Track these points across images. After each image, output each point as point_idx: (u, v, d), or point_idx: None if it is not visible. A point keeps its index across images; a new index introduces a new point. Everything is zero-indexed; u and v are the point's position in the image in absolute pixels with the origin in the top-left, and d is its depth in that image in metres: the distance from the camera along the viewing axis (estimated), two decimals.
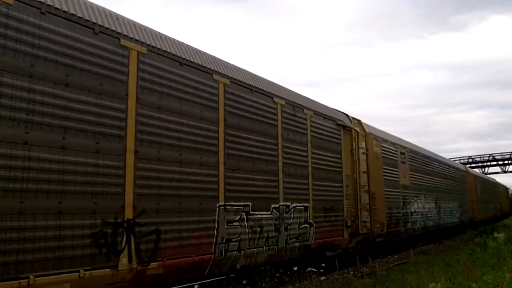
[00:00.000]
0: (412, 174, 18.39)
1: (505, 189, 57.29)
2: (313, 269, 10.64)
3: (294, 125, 10.37)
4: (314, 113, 11.26)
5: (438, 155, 24.25)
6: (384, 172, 15.48)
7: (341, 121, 12.68)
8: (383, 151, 15.65)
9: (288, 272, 9.94)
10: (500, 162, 65.56)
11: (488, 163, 65.88)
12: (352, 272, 11.48)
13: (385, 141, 16.14)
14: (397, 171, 16.71)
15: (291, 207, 9.87)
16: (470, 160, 65.68)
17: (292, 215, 9.88)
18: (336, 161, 12.10)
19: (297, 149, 10.35)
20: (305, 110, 10.86)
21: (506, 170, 65.49)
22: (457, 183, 26.19)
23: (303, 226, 10.25)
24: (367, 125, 15.15)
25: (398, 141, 17.83)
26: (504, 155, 64.92)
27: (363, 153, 14.49)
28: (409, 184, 17.85)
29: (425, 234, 19.57)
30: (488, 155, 65.96)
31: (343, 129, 12.72)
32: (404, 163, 17.71)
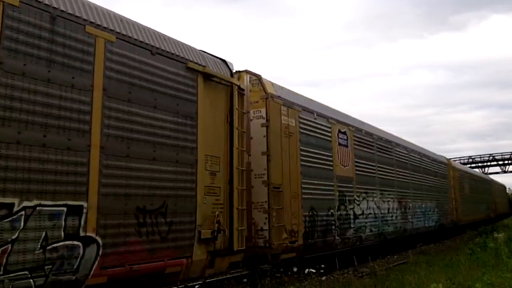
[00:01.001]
0: (360, 163, 13.29)
1: (503, 187, 53.11)
2: (313, 270, 9.82)
3: (51, 50, 5.38)
4: (118, 38, 6.26)
5: (406, 141, 19.06)
6: (303, 156, 10.43)
7: (199, 65, 7.63)
8: (302, 126, 10.62)
9: (289, 273, 9.10)
10: (500, 162, 63.05)
11: (488, 163, 63.48)
12: (352, 272, 11.08)
13: (308, 111, 11.07)
14: (330, 156, 11.63)
15: (19, 208, 4.85)
16: (470, 160, 63.15)
17: (16, 224, 4.85)
18: (181, 130, 7.07)
19: (53, 95, 5.35)
20: (89, 28, 5.85)
21: (506, 170, 63.06)
22: (435, 178, 21.04)
23: (56, 246, 5.19)
24: (273, 84, 10.15)
25: (336, 115, 12.71)
26: (504, 155, 62.45)
27: (262, 124, 9.54)
28: (353, 176, 12.76)
29: (382, 243, 14.47)
30: (488, 155, 63.45)
31: (204, 79, 7.68)
32: (346, 146, 12.63)
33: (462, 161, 59.65)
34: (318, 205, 10.66)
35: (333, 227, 11.23)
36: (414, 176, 18.00)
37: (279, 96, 9.94)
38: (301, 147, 10.38)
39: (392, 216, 15.03)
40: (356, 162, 12.99)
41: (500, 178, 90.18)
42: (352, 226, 12.17)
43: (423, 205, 18.65)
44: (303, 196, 10.13)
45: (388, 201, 14.89)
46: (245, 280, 8.14)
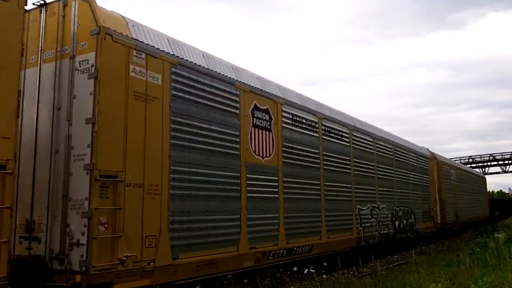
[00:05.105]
0: None
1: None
2: (313, 270, 10.10)
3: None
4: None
5: None
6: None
7: None
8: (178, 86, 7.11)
9: (289, 272, 9.37)
10: (501, 162, 63.24)
11: (489, 163, 63.54)
12: (352, 272, 11.26)
13: (196, 69, 7.72)
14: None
15: None
16: (471, 160, 63.04)
17: None
18: None
19: None
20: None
21: (507, 170, 63.07)
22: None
23: None
24: (124, 16, 6.74)
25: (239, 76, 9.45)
26: (504, 155, 62.57)
27: (89, 76, 5.53)
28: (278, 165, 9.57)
29: None
30: (489, 155, 63.50)
31: None
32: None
33: (462, 161, 59.22)
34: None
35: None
36: None
37: (126, 36, 6.36)
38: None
39: None
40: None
41: (500, 178, 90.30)
42: None
43: None
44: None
45: None
46: (245, 280, 8.20)
